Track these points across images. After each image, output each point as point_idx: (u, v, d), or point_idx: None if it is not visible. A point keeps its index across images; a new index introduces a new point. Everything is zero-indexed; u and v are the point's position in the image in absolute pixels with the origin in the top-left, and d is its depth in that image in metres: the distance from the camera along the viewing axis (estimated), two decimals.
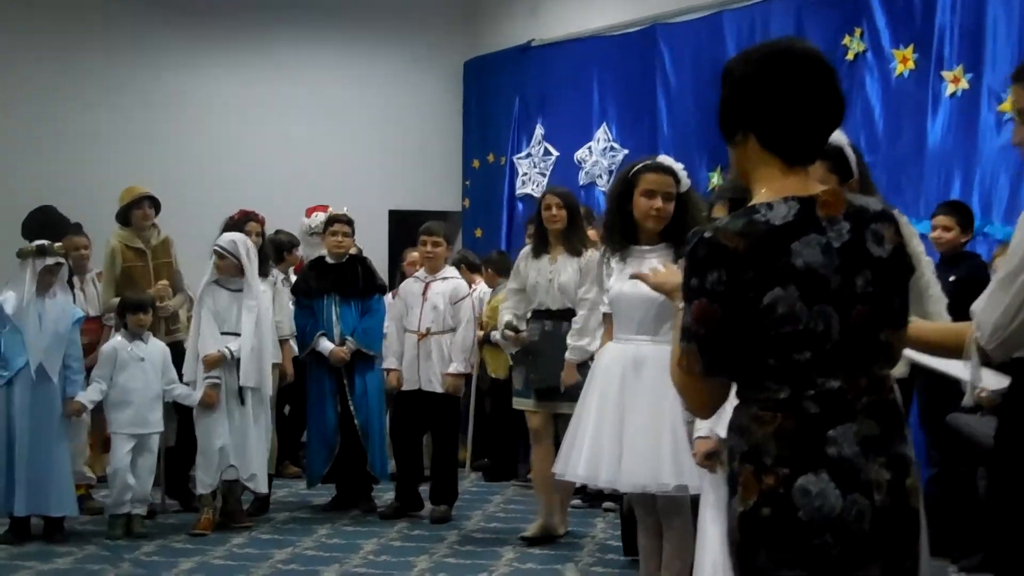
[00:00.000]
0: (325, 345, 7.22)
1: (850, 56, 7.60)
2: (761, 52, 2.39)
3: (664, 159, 5.10)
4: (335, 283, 7.32)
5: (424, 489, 7.32)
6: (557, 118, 10.29)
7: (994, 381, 2.78)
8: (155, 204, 7.60)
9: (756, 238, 2.22)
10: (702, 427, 4.20)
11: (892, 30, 7.44)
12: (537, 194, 10.19)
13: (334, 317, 7.28)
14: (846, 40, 7.64)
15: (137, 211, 7.50)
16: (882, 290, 2.31)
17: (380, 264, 8.41)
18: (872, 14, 7.54)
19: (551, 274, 6.46)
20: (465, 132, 11.53)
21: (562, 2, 10.44)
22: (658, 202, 4.84)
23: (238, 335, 6.78)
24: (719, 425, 4.11)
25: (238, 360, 6.74)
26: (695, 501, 4.53)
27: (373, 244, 9.24)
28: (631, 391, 4.69)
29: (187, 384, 6.82)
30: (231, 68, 10.71)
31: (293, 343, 7.58)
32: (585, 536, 6.75)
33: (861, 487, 2.23)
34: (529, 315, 6.60)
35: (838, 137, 3.47)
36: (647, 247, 4.88)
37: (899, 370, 2.64)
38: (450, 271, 7.29)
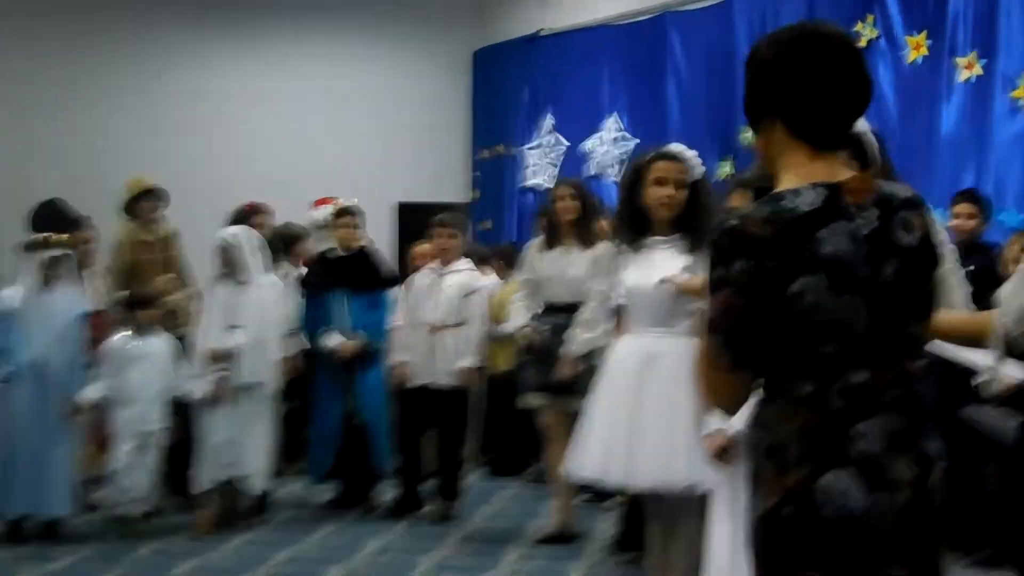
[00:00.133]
0: (332, 340, 7.14)
1: (863, 43, 7.52)
2: (788, 35, 2.31)
3: (676, 147, 5.00)
4: (343, 276, 7.23)
5: (428, 486, 7.24)
6: (567, 108, 10.23)
7: (1019, 372, 2.74)
8: (162, 196, 7.53)
9: (782, 226, 2.15)
10: (713, 422, 4.14)
11: (905, 16, 7.37)
12: (547, 185, 10.16)
13: (341, 311, 7.20)
14: (858, 27, 7.57)
15: (144, 203, 7.45)
16: (910, 280, 2.24)
17: (387, 256, 8.33)
18: (884, 1, 7.46)
19: (563, 266, 6.37)
20: (474, 123, 11.48)
21: None
22: (669, 190, 4.76)
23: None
24: (730, 420, 4.06)
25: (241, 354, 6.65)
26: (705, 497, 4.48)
27: (380, 236, 9.19)
28: (646, 385, 4.61)
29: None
30: (238, 60, 10.68)
31: (301, 336, 7.52)
32: (590, 533, 6.66)
33: (886, 485, 2.16)
34: (540, 309, 6.50)
35: (859, 123, 3.40)
36: (660, 238, 4.81)
37: None
38: (463, 263, 7.18)
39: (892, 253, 2.22)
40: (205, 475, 6.62)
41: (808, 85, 2.25)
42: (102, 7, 10.21)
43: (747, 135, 8.28)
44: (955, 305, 3.67)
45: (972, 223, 6.06)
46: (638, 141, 9.40)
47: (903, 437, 2.20)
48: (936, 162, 7.06)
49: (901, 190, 2.32)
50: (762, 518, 2.19)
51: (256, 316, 6.69)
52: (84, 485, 6.80)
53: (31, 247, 6.53)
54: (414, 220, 10.46)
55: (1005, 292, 2.61)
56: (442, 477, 7.15)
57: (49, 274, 6.48)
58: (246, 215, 7.40)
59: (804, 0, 7.95)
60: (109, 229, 7.67)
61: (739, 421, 3.85)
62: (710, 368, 2.25)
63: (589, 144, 9.84)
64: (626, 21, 9.63)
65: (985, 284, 5.12)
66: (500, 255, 8.77)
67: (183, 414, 6.82)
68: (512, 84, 10.77)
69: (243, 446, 6.63)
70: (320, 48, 10.92)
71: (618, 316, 5.13)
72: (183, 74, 10.46)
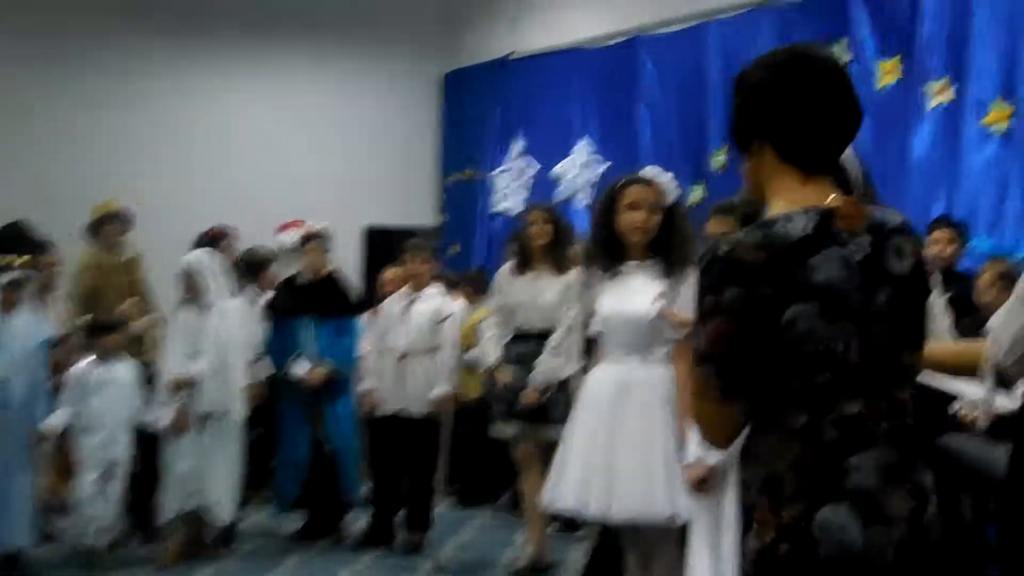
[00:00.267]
0: (299, 368, 7.02)
1: None
2: (777, 58, 2.27)
3: (649, 171, 4.95)
4: (310, 302, 7.12)
5: (398, 517, 7.12)
6: (537, 132, 10.17)
7: (1010, 403, 2.68)
8: (125, 220, 7.42)
9: (775, 252, 2.09)
10: (692, 452, 4.07)
11: (877, 41, 7.36)
12: (517, 210, 10.10)
13: (308, 338, 7.08)
14: (831, 51, 7.54)
15: (106, 227, 7.34)
16: (903, 308, 2.20)
17: (355, 281, 8.23)
18: (857, 25, 7.46)
19: (534, 292, 6.28)
20: (443, 147, 11.41)
21: (543, 14, 10.31)
22: (642, 215, 4.70)
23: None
24: (710, 450, 3.99)
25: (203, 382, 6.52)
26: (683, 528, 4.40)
27: (348, 260, 9.10)
28: (621, 415, 4.54)
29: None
30: (206, 82, 10.57)
31: (265, 363, 7.41)
32: (564, 563, 6.56)
33: (883, 520, 2.11)
34: (510, 336, 6.40)
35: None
36: (635, 263, 4.75)
37: None
38: (434, 289, 7.08)
39: (885, 281, 2.17)
40: (170, 505, 6.49)
41: (798, 108, 2.21)
42: (70, 27, 10.07)
43: (719, 159, 8.26)
44: (940, 334, 3.63)
45: (950, 249, 6.03)
46: (609, 165, 9.35)
47: (898, 470, 2.15)
48: (907, 188, 7.04)
49: (893, 216, 2.28)
50: (758, 554, 2.12)
51: (218, 342, 6.56)
52: (45, 514, 6.64)
53: None
54: (382, 244, 10.40)
55: (995, 323, 2.56)
56: (412, 507, 7.03)
57: (11, 298, 6.33)
58: (211, 239, 7.29)
59: (777, 24, 7.92)
60: (75, 253, 7.53)
61: (717, 451, 3.80)
62: (700, 399, 2.19)
63: (560, 168, 9.79)
64: (598, 45, 9.59)
65: (962, 311, 5.10)
66: (469, 280, 8.70)
67: (146, 443, 6.69)
68: (482, 108, 10.70)
69: (208, 475, 6.49)
70: (289, 71, 10.83)
71: (595, 344, 5.06)
72: (151, 97, 10.33)
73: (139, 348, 7.18)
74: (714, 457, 3.85)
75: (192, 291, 6.59)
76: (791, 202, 2.19)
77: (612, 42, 9.44)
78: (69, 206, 8.31)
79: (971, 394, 2.72)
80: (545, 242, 6.29)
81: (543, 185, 9.95)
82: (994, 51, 6.68)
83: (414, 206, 11.16)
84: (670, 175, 4.94)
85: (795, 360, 2.09)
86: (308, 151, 10.76)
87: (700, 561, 3.83)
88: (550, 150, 9.94)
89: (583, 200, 9.54)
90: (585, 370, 6.04)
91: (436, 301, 7.00)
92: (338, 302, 7.18)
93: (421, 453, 6.98)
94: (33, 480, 6.40)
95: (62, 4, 10.05)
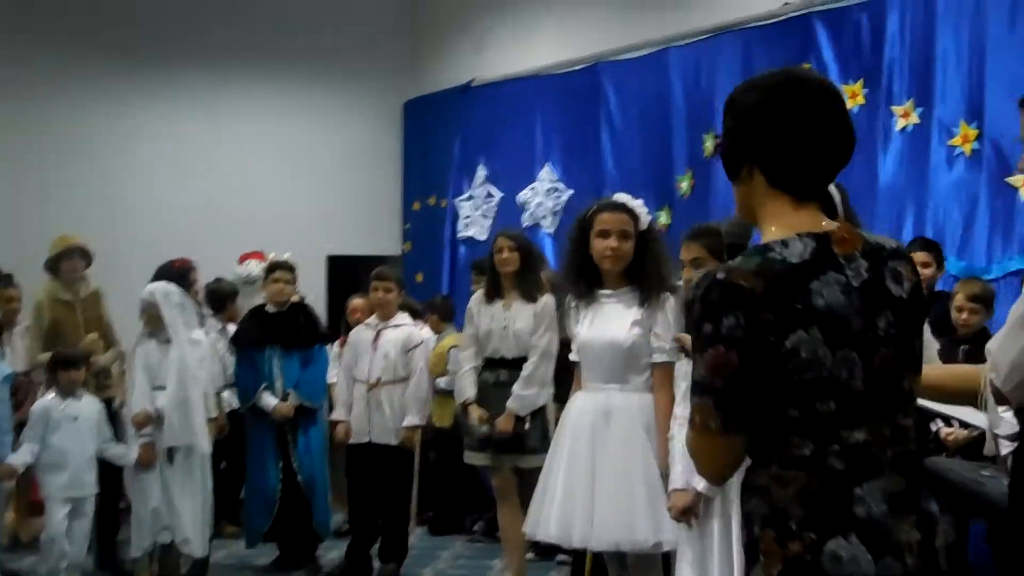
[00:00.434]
0: (268, 400, 6.92)
1: None
2: (768, 81, 2.23)
3: (621, 197, 4.93)
4: (277, 333, 7.03)
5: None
6: (500, 159, 10.12)
7: (1011, 428, 2.65)
8: (85, 255, 7.31)
9: (773, 277, 2.05)
10: (677, 479, 4.03)
11: (841, 64, 7.35)
12: (481, 237, 10.06)
13: (276, 369, 6.99)
14: None
15: (66, 262, 7.22)
16: (903, 332, 2.16)
17: (318, 311, 8.15)
18: (820, 49, 7.45)
19: (505, 320, 6.20)
20: (405, 174, 11.35)
21: (504, 41, 10.28)
22: (612, 242, 4.67)
23: None
24: (695, 477, 3.95)
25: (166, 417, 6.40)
26: (668, 556, 4.35)
27: (311, 289, 8.99)
28: (601, 442, 4.51)
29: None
30: (162, 113, 10.43)
31: (229, 395, 7.31)
32: None
33: (892, 550, 2.07)
34: (482, 364, 6.33)
35: None
36: (610, 291, 4.71)
37: None
38: (402, 318, 6.99)
39: (886, 305, 2.14)
40: (140, 542, 6.37)
41: (791, 133, 2.17)
42: (25, 57, 9.93)
43: (683, 184, 8.24)
44: (930, 358, 3.60)
45: (929, 271, 6.01)
46: (572, 191, 9.32)
47: (904, 499, 2.12)
48: (875, 211, 7.03)
49: (887, 241, 2.25)
50: None
51: (181, 376, 6.44)
52: (10, 552, 6.52)
53: None
54: (345, 273, 10.31)
55: (993, 347, 2.52)
56: (386, 537, 6.93)
57: None
58: (175, 271, 7.17)
59: (740, 48, 7.91)
60: (36, 287, 7.40)
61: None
62: (698, 432, 2.13)
63: (523, 195, 9.74)
64: (559, 71, 9.56)
65: (941, 333, 5.10)
66: (435, 308, 8.63)
67: (112, 479, 6.59)
68: (444, 135, 10.64)
69: (178, 510, 6.37)
70: (249, 99, 10.73)
71: (566, 370, 5.02)
72: (111, 131, 10.19)
73: (102, 383, 7.06)
74: (701, 484, 3.81)
75: (153, 324, 6.49)
76: (785, 227, 2.16)
77: (574, 68, 9.42)
78: (28, 240, 8.20)
79: (972, 420, 2.67)
80: (514, 269, 6.21)
81: (507, 211, 9.90)
82: (958, 74, 6.69)
83: (377, 234, 11.09)
84: (640, 202, 4.92)
85: (797, 388, 2.04)
86: (269, 180, 10.66)
87: None
88: (513, 176, 9.89)
89: (549, 227, 9.49)
90: (558, 396, 6.01)
91: (405, 330, 6.92)
92: (306, 332, 7.10)
93: (394, 482, 6.88)
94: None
95: (22, 38, 9.91)
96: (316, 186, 10.84)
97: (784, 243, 2.10)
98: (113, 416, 6.73)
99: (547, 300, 6.09)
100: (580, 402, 4.68)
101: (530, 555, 6.92)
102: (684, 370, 4.22)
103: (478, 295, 6.40)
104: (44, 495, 6.35)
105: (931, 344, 3.83)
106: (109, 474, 6.58)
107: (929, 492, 2.18)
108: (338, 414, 6.90)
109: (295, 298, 7.20)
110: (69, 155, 10.03)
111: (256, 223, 10.14)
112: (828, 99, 2.20)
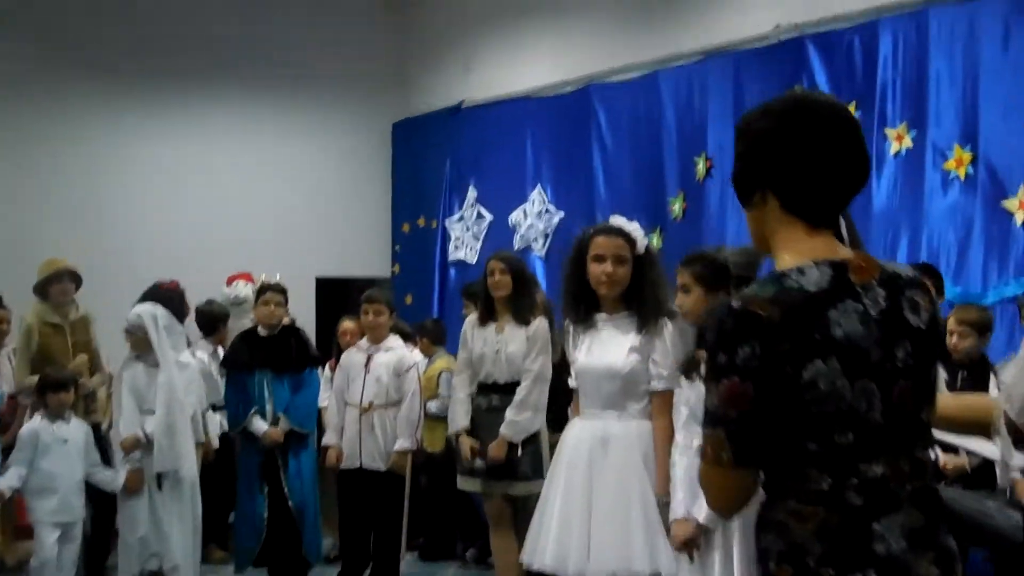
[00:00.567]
0: (258, 425, 6.83)
1: None
2: (781, 105, 2.18)
3: (616, 220, 4.88)
4: (268, 357, 6.95)
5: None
6: (490, 180, 10.07)
7: (1021, 459, 2.60)
8: (75, 279, 7.24)
9: (790, 306, 1.99)
10: (679, 509, 3.98)
11: (833, 87, 7.30)
12: (471, 259, 10.00)
13: (266, 393, 6.91)
14: None
15: (55, 285, 7.15)
16: (921, 364, 2.12)
17: (307, 334, 8.07)
18: (812, 71, 7.41)
19: (498, 344, 6.12)
20: (395, 196, 11.28)
21: (494, 63, 10.23)
22: (607, 266, 4.62)
23: None
24: (696, 507, 3.90)
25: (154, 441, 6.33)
26: None
27: (299, 312, 8.91)
28: (598, 470, 4.44)
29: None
30: (152, 133, 10.36)
31: (218, 418, 7.22)
32: None
33: None
34: (475, 389, 6.26)
35: None
36: (608, 315, 4.65)
37: None
38: (394, 341, 6.91)
39: (904, 335, 2.10)
40: (128, 568, 6.29)
41: (805, 156, 2.12)
42: (9, 75, 9.86)
43: (675, 207, 8.20)
44: (939, 388, 3.55)
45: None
46: (563, 214, 9.27)
47: (923, 534, 2.07)
48: (869, 236, 6.98)
49: (904, 269, 2.20)
50: None
51: (168, 399, 6.37)
52: None
53: None
54: (334, 294, 10.24)
55: (1007, 378, 2.47)
56: (377, 563, 6.84)
57: None
58: (163, 293, 7.10)
59: (731, 71, 7.88)
60: (22, 310, 7.32)
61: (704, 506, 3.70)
62: (710, 464, 2.07)
63: (514, 217, 9.69)
64: (550, 93, 9.52)
65: (942, 360, 5.04)
66: (425, 331, 8.56)
67: (100, 503, 6.51)
68: (434, 156, 10.59)
69: (167, 535, 6.31)
70: (238, 119, 10.67)
71: (560, 394, 4.96)
72: (95, 149, 10.11)
73: (89, 407, 6.98)
74: (703, 514, 3.75)
75: (139, 347, 6.42)
76: (799, 253, 2.11)
77: (564, 91, 9.38)
78: (18, 261, 8.12)
79: (986, 453, 2.62)
80: (506, 293, 6.14)
81: (497, 234, 9.84)
82: (952, 96, 6.67)
83: (366, 256, 11.03)
84: (636, 225, 4.86)
85: (815, 421, 2.00)
86: (258, 202, 10.59)
87: None
88: (503, 198, 9.84)
89: (540, 249, 9.44)
90: (550, 421, 5.94)
91: (397, 353, 6.85)
92: (297, 356, 7.02)
93: (386, 508, 6.79)
94: None
95: (16, 57, 9.83)
96: (305, 207, 10.77)
97: (800, 271, 2.06)
98: (101, 440, 6.64)
99: (540, 323, 6.03)
100: (577, 429, 4.61)
101: None
102: (684, 396, 4.17)
103: (472, 318, 6.33)
104: (33, 519, 6.30)
105: (939, 374, 3.78)
106: (102, 498, 6.50)
107: (947, 527, 2.10)
108: (329, 438, 6.82)
109: (286, 321, 7.13)
110: (61, 175, 9.95)
111: (245, 244, 10.06)
112: (842, 122, 2.15)
